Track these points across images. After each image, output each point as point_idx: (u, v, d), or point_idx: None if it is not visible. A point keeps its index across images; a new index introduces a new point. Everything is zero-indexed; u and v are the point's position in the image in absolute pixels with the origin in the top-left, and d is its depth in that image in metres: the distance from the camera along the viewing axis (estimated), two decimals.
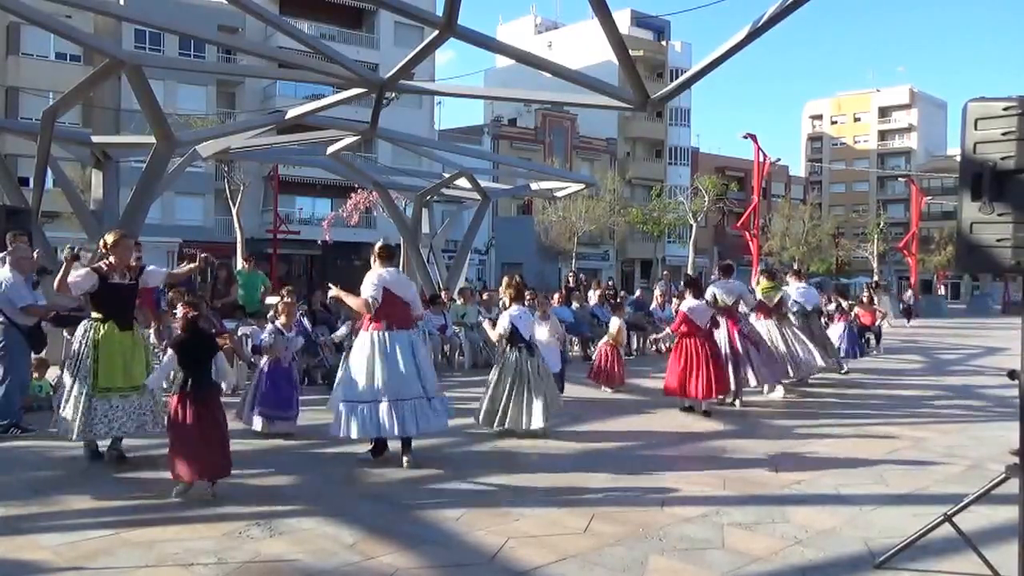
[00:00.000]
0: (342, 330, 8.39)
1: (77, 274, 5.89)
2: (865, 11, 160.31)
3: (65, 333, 8.60)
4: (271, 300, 11.79)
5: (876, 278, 19.53)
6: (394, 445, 6.30)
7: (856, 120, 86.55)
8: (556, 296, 13.42)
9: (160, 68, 24.45)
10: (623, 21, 54.40)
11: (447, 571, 4.04)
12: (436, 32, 9.32)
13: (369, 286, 6.14)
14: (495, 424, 7.27)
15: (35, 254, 7.59)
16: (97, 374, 5.77)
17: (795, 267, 15.15)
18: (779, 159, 41.70)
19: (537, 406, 7.15)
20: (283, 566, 4.04)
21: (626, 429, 7.87)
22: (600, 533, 4.58)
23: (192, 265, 6.92)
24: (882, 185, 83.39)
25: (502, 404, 7.22)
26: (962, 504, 3.96)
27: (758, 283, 11.36)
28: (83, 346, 5.89)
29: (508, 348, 7.44)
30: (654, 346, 15.44)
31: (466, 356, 12.79)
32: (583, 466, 6.26)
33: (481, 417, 7.33)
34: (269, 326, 7.76)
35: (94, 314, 5.99)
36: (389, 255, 6.47)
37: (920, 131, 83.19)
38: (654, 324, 15.32)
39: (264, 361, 7.42)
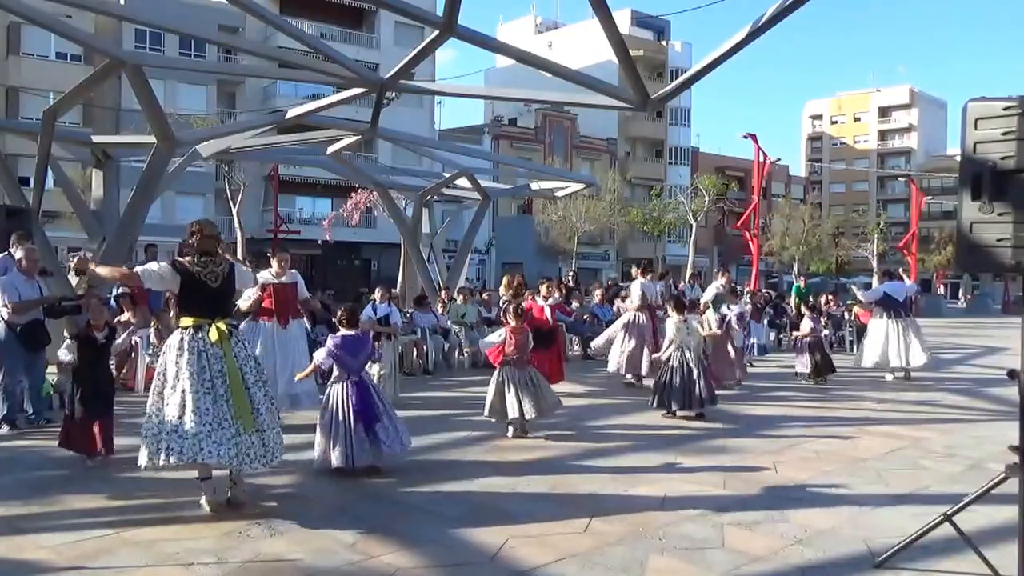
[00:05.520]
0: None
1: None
2: (865, 11, 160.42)
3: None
4: None
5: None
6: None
7: (856, 120, 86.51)
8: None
9: (160, 68, 24.45)
10: (623, 21, 54.38)
11: (447, 571, 4.04)
12: (436, 32, 9.31)
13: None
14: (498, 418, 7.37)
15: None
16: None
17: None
18: (779, 159, 41.61)
19: (527, 402, 7.25)
20: (283, 566, 4.04)
21: (626, 429, 7.87)
22: (600, 533, 4.59)
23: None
24: (882, 185, 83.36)
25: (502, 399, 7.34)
26: (962, 504, 3.96)
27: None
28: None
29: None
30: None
31: (466, 356, 12.79)
32: (583, 466, 6.27)
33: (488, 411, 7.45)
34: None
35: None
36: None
37: (920, 131, 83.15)
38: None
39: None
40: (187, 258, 5.08)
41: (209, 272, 4.99)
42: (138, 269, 5.15)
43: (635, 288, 11.15)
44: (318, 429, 5.83)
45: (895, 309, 11.77)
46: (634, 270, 11.68)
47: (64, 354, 6.21)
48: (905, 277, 12.89)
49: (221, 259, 5.14)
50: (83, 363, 6.13)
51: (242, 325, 7.16)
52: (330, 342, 5.96)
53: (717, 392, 8.70)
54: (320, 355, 6.03)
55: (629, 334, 10.70)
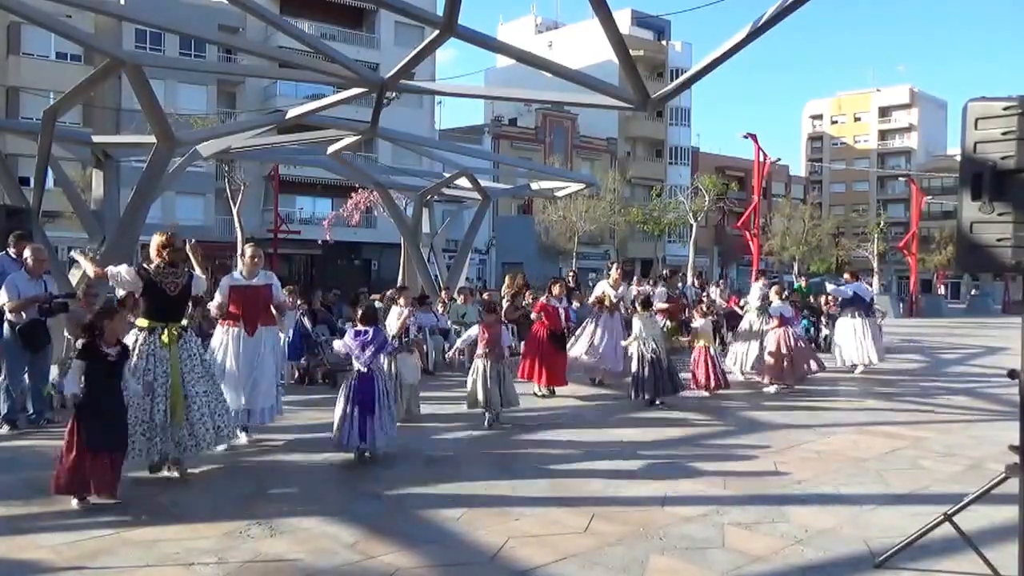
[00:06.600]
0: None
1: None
2: (865, 11, 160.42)
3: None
4: None
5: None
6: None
7: (856, 120, 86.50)
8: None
9: (160, 68, 24.43)
10: (623, 21, 54.38)
11: (447, 571, 4.04)
12: (436, 32, 9.31)
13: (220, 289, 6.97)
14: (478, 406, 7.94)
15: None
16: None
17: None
18: (779, 159, 41.61)
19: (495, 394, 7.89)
20: (283, 566, 4.04)
21: (626, 429, 7.87)
22: (600, 533, 4.59)
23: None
24: (882, 185, 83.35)
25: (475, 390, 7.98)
26: (962, 504, 3.96)
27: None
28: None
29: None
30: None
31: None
32: (583, 466, 6.27)
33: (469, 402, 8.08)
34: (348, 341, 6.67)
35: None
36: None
37: (920, 131, 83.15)
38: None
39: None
40: (152, 266, 5.71)
41: (169, 282, 5.70)
42: (109, 269, 5.72)
43: (615, 289, 11.08)
44: (335, 412, 6.40)
45: (863, 309, 12.50)
46: (615, 271, 11.46)
47: (70, 385, 4.95)
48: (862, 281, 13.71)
49: (182, 271, 5.81)
50: (90, 389, 4.89)
51: (217, 329, 7.00)
52: (347, 335, 6.69)
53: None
54: (338, 344, 6.81)
55: (606, 331, 10.74)
